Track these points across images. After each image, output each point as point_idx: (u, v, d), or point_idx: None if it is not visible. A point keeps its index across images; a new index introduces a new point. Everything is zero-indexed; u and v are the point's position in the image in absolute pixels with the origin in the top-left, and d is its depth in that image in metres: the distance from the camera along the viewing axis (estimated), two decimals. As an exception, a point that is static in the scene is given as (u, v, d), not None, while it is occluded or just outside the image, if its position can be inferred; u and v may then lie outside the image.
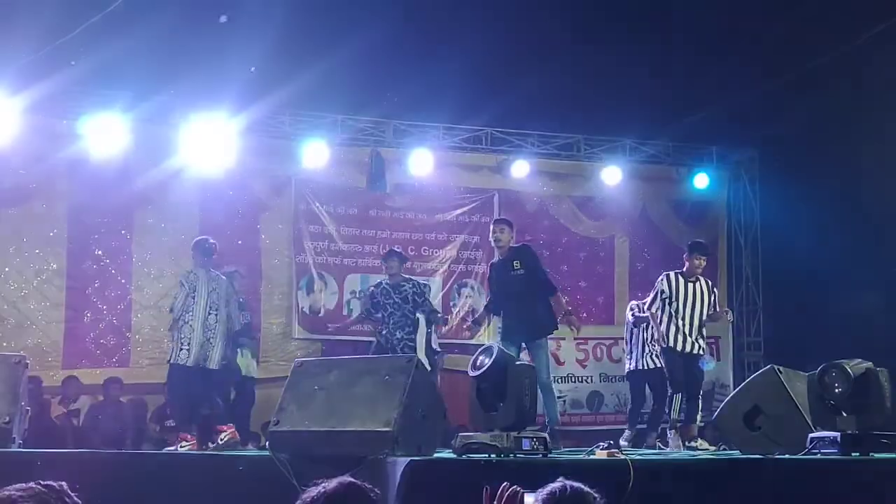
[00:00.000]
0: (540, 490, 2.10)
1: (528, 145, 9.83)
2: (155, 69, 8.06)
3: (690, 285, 6.79)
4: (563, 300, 7.03)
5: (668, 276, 6.87)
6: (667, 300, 6.76)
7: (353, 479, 1.96)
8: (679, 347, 6.68)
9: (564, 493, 2.05)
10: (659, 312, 6.80)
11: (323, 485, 1.94)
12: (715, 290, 7.01)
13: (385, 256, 7.78)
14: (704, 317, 6.79)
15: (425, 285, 7.92)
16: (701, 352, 6.80)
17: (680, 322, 6.69)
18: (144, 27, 7.48)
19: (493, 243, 6.72)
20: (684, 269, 6.87)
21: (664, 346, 6.78)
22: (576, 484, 2.12)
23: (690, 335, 6.69)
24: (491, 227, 6.76)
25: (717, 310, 7.00)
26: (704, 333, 6.84)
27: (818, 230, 8.73)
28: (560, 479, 2.21)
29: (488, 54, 8.42)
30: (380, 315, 7.33)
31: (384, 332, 7.24)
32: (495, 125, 9.63)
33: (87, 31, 7.21)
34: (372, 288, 7.70)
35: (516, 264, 6.45)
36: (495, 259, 6.92)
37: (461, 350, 9.45)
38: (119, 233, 8.65)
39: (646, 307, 7.06)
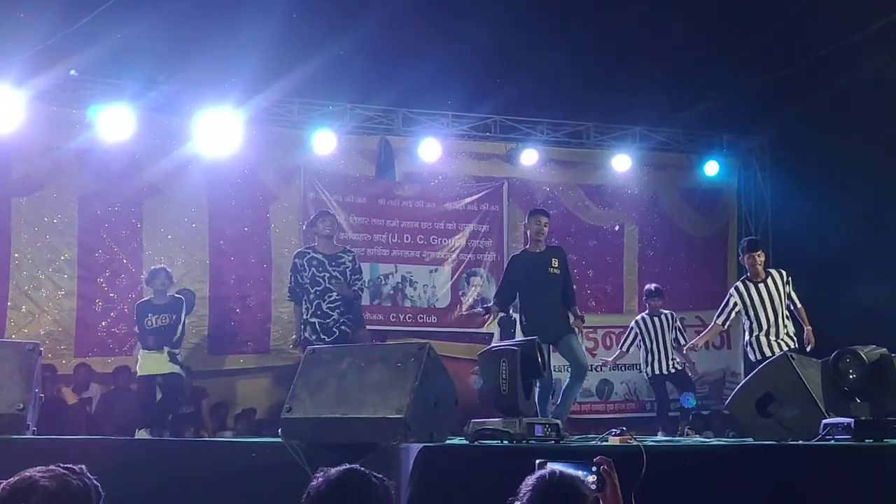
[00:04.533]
0: (529, 477, 2.09)
1: (538, 133, 9.80)
2: (163, 58, 8.08)
3: (761, 286, 6.55)
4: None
5: (736, 287, 6.67)
6: (741, 313, 6.55)
7: (356, 466, 1.95)
8: (775, 352, 6.31)
9: (554, 477, 2.04)
10: (742, 325, 6.59)
11: (326, 474, 1.94)
12: (790, 279, 6.62)
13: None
14: (784, 310, 6.50)
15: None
16: (788, 347, 6.42)
17: (763, 330, 6.46)
18: (152, 16, 7.49)
19: (534, 234, 6.25)
20: (748, 273, 6.68)
21: (759, 358, 6.42)
22: (566, 470, 2.12)
23: (777, 337, 6.46)
24: (538, 217, 6.29)
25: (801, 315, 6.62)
26: (790, 329, 6.52)
27: (829, 218, 8.68)
28: (547, 464, 2.22)
29: (496, 42, 8.40)
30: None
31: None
32: (504, 113, 9.60)
33: (95, 21, 7.21)
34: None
35: (555, 263, 6.20)
36: (521, 252, 6.53)
37: (469, 339, 9.47)
38: (129, 222, 8.67)
39: (716, 318, 6.74)
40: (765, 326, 6.52)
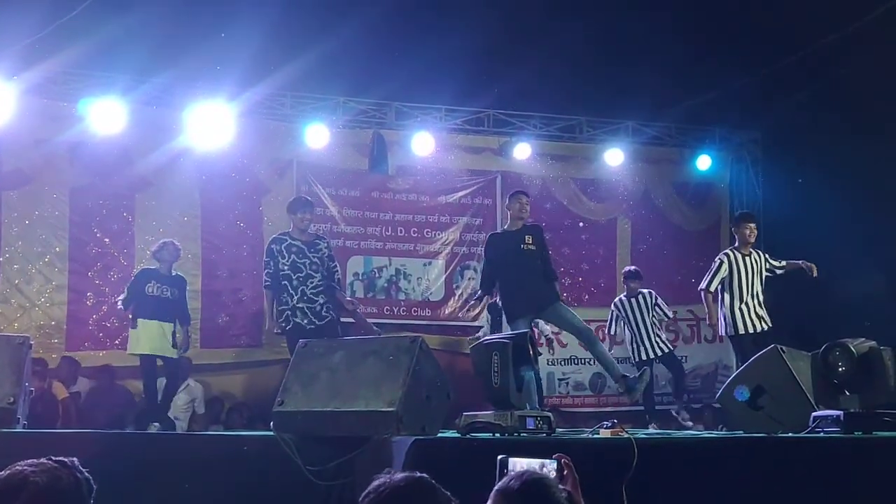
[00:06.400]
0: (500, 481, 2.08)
1: (531, 127, 9.80)
2: (155, 51, 8.02)
3: (748, 259, 6.64)
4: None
5: (725, 253, 6.73)
6: (726, 280, 6.57)
7: (423, 475, 1.91)
8: (750, 330, 6.49)
9: (521, 479, 2.04)
10: (721, 294, 6.61)
11: (389, 476, 1.89)
12: (766, 256, 6.78)
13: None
14: (761, 287, 6.61)
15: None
16: (765, 327, 6.56)
17: (744, 303, 6.52)
18: (144, 8, 7.44)
19: (513, 214, 6.43)
20: (737, 244, 6.76)
21: (731, 333, 6.54)
22: (535, 473, 2.12)
23: (751, 312, 6.53)
24: (519, 197, 6.45)
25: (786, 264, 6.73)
26: (763, 310, 6.62)
27: (821, 211, 8.71)
28: (508, 459, 2.24)
29: (490, 36, 8.37)
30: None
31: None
32: (497, 107, 9.60)
33: (86, 13, 7.17)
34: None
35: (528, 239, 6.30)
36: (499, 231, 6.75)
37: (462, 332, 9.47)
38: (121, 215, 8.65)
39: (703, 285, 6.69)
40: (745, 297, 6.57)
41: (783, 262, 6.81)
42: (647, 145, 10.23)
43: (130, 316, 6.86)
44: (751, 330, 6.55)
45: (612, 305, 8.39)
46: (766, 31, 8.52)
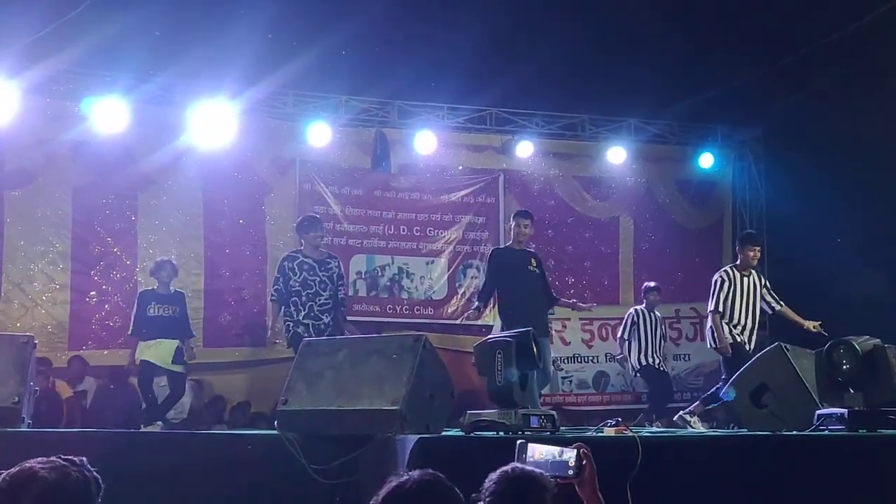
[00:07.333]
0: (492, 473, 2.12)
1: (533, 125, 9.79)
2: (157, 50, 8.03)
3: (746, 279, 6.63)
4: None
5: (725, 271, 6.72)
6: (727, 298, 6.54)
7: (437, 473, 1.94)
8: (740, 340, 6.48)
9: (516, 472, 2.07)
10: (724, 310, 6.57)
11: (406, 475, 1.94)
12: (767, 283, 6.75)
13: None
14: (756, 309, 6.59)
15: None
16: (749, 348, 6.52)
17: (733, 321, 6.50)
18: (146, 7, 7.44)
19: (517, 235, 6.63)
20: (738, 263, 6.75)
21: (714, 345, 6.54)
22: (528, 468, 2.15)
23: (741, 333, 6.52)
24: (519, 220, 6.67)
25: (771, 300, 6.70)
26: (755, 329, 6.62)
27: (823, 209, 8.70)
28: (528, 445, 2.31)
29: (492, 34, 8.37)
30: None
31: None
32: (500, 105, 9.59)
33: (88, 12, 7.17)
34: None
35: (533, 262, 6.60)
36: (503, 247, 7.02)
37: (465, 331, 9.47)
38: (124, 214, 8.65)
39: (709, 308, 6.65)
40: (735, 318, 6.55)
41: (781, 304, 6.71)
42: (649, 143, 10.22)
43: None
44: (741, 340, 6.52)
45: (633, 310, 8.58)
46: (768, 30, 8.52)
